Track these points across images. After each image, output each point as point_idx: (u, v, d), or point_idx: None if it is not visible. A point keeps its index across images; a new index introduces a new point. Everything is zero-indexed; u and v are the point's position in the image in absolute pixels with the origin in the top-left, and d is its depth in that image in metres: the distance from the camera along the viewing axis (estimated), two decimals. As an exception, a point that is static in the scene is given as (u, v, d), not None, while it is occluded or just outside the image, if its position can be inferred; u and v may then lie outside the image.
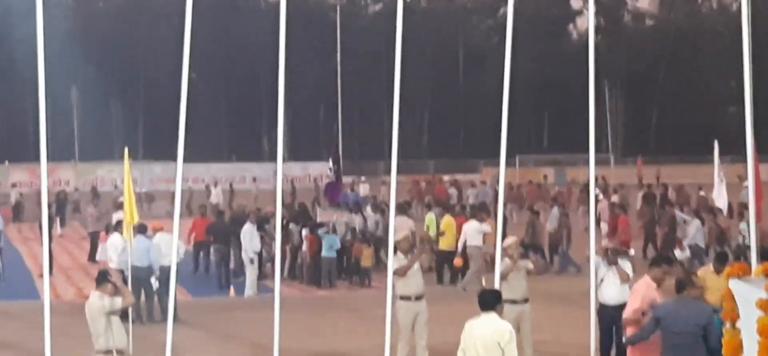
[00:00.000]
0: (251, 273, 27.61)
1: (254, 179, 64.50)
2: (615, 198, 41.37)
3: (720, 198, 33.58)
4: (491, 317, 12.61)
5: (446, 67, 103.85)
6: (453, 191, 53.47)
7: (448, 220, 30.18)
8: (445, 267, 29.61)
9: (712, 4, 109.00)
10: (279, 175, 14.69)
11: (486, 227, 29.19)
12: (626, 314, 14.95)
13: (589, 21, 16.50)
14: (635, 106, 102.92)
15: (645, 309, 14.42)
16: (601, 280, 17.45)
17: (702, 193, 44.14)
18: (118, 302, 14.10)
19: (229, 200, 52.93)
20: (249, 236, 27.68)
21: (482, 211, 30.48)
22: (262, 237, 28.29)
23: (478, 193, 51.62)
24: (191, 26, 13.92)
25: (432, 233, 30.70)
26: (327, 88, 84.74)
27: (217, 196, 51.56)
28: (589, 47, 15.89)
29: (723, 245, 30.59)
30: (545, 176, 71.37)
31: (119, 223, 24.20)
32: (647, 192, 45.51)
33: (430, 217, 31.68)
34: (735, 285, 8.64)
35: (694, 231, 30.85)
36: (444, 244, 29.48)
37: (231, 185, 59.37)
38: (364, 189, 49.97)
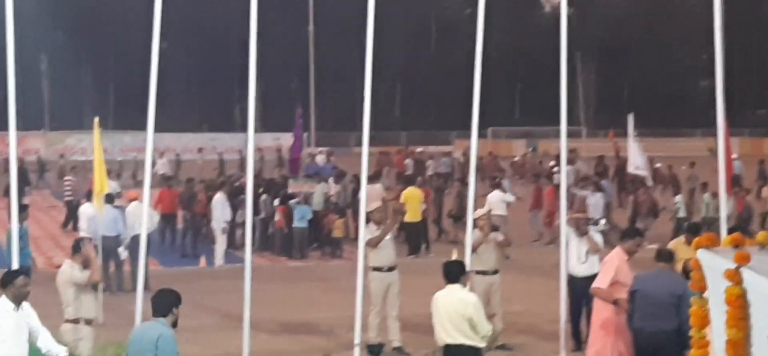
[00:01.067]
0: (221, 244, 27.60)
1: (200, 150, 63.76)
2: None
3: (642, 169, 34.18)
4: (455, 288, 12.68)
5: (419, 38, 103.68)
6: (409, 162, 53.61)
7: (412, 191, 30.20)
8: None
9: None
10: (250, 145, 14.65)
11: (509, 197, 29.52)
12: (598, 284, 14.99)
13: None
14: (607, 78, 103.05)
15: (622, 280, 14.52)
16: (587, 253, 17.55)
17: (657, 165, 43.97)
18: (86, 276, 14.00)
19: (176, 170, 52.65)
20: (220, 207, 27.66)
21: (446, 181, 30.69)
22: (234, 207, 28.28)
23: (439, 164, 51.99)
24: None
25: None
26: (299, 58, 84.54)
27: (163, 166, 51.21)
28: (562, 18, 15.89)
29: (656, 217, 31.03)
30: (528, 152, 71.32)
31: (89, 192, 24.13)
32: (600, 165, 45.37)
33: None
34: (703, 256, 8.67)
35: (593, 205, 30.66)
36: (408, 215, 29.16)
37: (177, 156, 58.73)
38: (321, 160, 49.84)
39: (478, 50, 15.38)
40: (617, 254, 15.15)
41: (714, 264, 8.40)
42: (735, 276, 7.89)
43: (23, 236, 20.48)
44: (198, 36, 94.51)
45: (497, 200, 29.17)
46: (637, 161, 34.16)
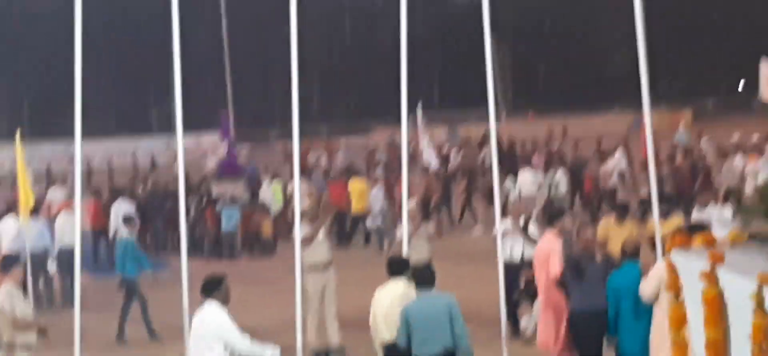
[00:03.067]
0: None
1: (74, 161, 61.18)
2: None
3: (429, 157, 34.81)
4: (399, 283, 12.59)
5: (334, 28, 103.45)
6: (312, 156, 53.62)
7: (357, 183, 30.73)
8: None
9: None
10: (180, 148, 14.41)
11: (540, 177, 29.69)
12: (557, 272, 14.85)
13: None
14: (523, 58, 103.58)
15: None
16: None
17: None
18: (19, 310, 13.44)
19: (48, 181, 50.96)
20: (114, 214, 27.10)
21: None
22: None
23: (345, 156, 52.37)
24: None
25: (278, 200, 30.94)
26: (214, 56, 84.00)
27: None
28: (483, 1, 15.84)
29: (491, 204, 31.47)
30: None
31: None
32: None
33: (276, 185, 31.95)
34: (677, 257, 8.72)
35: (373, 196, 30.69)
36: (357, 207, 30.05)
37: (48, 167, 55.47)
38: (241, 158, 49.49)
39: (403, 35, 15.32)
40: (555, 240, 15.15)
41: (688, 265, 8.46)
42: (711, 277, 7.96)
43: (129, 247, 20.18)
44: (110, 39, 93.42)
45: (529, 181, 29.37)
46: (427, 156, 34.82)
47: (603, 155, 34.01)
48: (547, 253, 14.99)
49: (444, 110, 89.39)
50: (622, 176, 30.68)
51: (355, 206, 30.11)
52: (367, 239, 29.95)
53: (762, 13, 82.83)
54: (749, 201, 10.89)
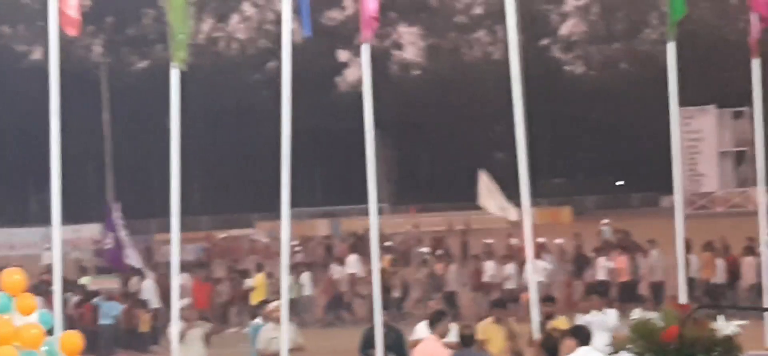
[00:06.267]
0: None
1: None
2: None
3: (134, 260, 34.57)
4: None
5: (216, 122, 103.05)
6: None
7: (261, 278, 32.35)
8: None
9: (475, 54, 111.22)
10: (56, 239, 14.17)
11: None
12: None
13: (364, 73, 16.64)
14: (406, 154, 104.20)
15: None
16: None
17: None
18: None
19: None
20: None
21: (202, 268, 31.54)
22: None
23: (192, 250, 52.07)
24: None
25: None
26: (94, 147, 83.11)
27: None
28: (365, 98, 16.01)
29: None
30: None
31: None
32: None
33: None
34: None
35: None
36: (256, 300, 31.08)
37: None
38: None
39: (285, 133, 15.38)
40: (436, 340, 15.15)
41: None
42: None
43: None
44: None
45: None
46: (130, 255, 34.68)
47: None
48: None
49: (327, 203, 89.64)
50: None
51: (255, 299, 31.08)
52: None
53: (640, 115, 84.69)
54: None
